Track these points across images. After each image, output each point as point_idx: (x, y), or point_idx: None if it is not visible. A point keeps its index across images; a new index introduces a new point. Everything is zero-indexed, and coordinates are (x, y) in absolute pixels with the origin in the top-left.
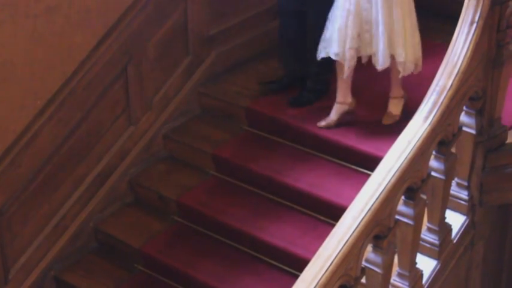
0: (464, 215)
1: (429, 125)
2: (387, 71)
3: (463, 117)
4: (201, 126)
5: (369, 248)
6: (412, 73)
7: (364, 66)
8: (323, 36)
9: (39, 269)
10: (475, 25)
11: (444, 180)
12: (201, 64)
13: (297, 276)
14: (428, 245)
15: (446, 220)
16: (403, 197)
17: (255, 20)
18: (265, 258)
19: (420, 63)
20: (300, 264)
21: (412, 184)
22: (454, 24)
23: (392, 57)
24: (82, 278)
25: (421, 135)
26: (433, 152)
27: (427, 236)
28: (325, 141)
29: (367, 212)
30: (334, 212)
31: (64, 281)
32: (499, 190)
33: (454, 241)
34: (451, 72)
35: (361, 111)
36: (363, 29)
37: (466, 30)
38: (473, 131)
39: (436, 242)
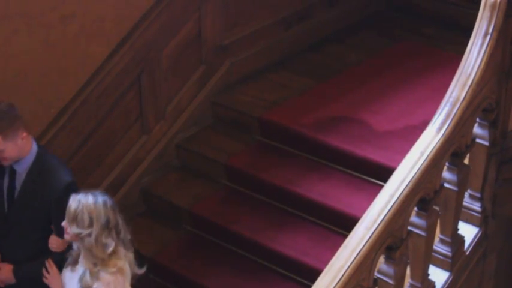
0: (477, 226)
1: (442, 136)
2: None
3: (476, 129)
4: (214, 136)
5: (381, 259)
6: None
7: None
8: None
9: None
10: (489, 37)
11: (457, 191)
12: (215, 74)
13: (309, 287)
14: (440, 257)
15: (459, 232)
16: (415, 208)
17: (268, 30)
18: (277, 268)
19: None
20: (312, 274)
21: (424, 195)
22: (466, 35)
23: None
24: None
25: (434, 147)
26: (446, 164)
27: (440, 247)
28: (337, 151)
29: (380, 223)
30: (346, 223)
31: None
32: None
33: (467, 253)
34: (465, 83)
35: (374, 122)
36: None
37: (480, 42)
38: (486, 143)
39: (449, 254)
